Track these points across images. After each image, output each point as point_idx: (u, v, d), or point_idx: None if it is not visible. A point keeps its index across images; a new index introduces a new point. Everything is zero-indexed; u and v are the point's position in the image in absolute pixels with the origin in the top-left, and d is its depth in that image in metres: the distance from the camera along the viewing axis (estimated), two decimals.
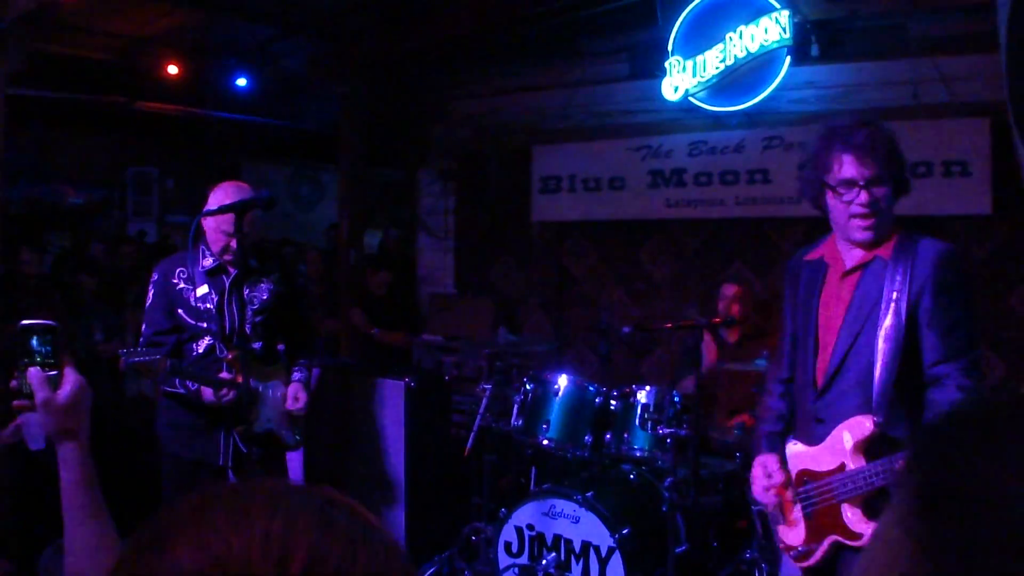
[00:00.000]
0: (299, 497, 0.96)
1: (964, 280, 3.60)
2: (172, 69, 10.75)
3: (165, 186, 14.54)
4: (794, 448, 3.80)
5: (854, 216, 3.54)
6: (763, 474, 3.86)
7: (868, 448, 3.47)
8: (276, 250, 10.04)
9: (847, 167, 3.54)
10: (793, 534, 3.80)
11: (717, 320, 6.34)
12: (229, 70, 11.22)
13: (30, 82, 10.14)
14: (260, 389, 5.39)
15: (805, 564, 3.76)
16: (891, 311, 3.50)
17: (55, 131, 12.92)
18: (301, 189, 16.78)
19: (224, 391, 5.13)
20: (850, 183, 3.54)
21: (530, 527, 5.73)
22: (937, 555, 0.78)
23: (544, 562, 5.62)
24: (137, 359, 5.06)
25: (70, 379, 2.02)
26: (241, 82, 11.33)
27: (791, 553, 3.83)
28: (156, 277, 5.40)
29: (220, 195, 5.17)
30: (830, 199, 3.62)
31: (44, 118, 12.18)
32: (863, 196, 3.51)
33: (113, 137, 13.68)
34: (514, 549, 5.78)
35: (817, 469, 3.65)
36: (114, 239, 11.89)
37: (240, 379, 4.98)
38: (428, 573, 6.27)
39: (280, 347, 5.75)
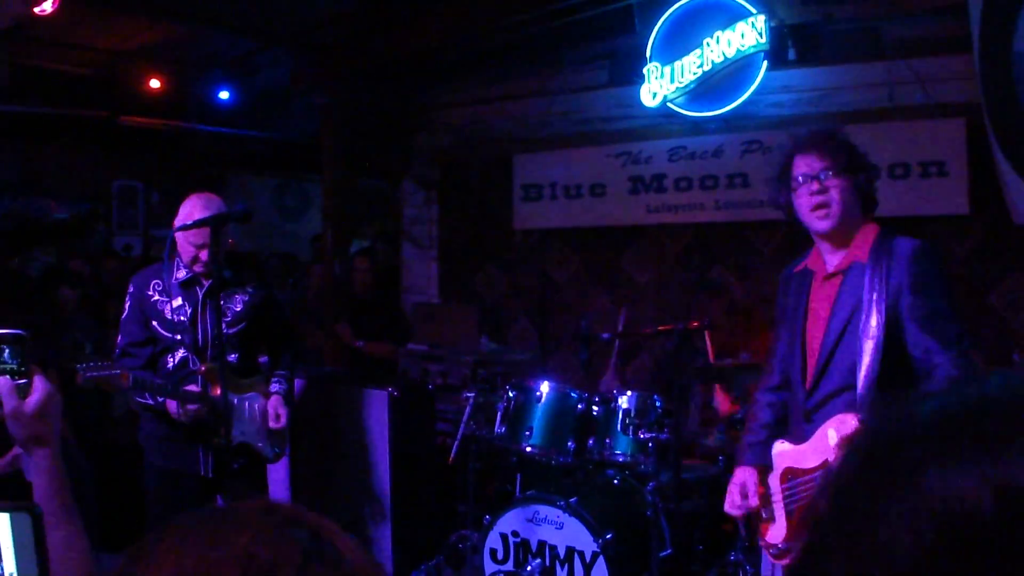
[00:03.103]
0: (263, 516, 1.01)
1: (941, 273, 3.73)
2: (155, 83, 10.77)
3: (150, 199, 14.53)
4: (780, 447, 3.89)
5: (812, 208, 3.75)
6: (739, 492, 3.97)
7: None
8: (254, 261, 10.05)
9: (801, 164, 3.81)
10: (774, 531, 3.87)
11: (695, 324, 6.37)
12: (212, 83, 11.23)
13: (13, 97, 10.16)
14: (235, 402, 5.37)
15: (784, 562, 3.82)
16: (872, 311, 3.61)
17: (39, 146, 12.89)
18: (286, 200, 16.77)
19: (191, 405, 5.14)
20: (804, 176, 3.78)
21: (515, 534, 5.75)
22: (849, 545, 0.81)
23: (529, 568, 5.65)
24: (94, 374, 4.99)
25: (39, 387, 2.05)
26: (224, 95, 11.34)
27: (771, 551, 3.89)
28: (132, 289, 5.43)
29: (188, 208, 5.20)
30: (794, 199, 3.79)
31: (28, 133, 12.16)
32: (814, 185, 3.75)
33: (97, 151, 13.64)
34: (499, 556, 5.81)
35: (802, 466, 3.73)
36: (98, 253, 11.90)
37: (216, 392, 5.01)
38: None
39: (263, 359, 5.78)
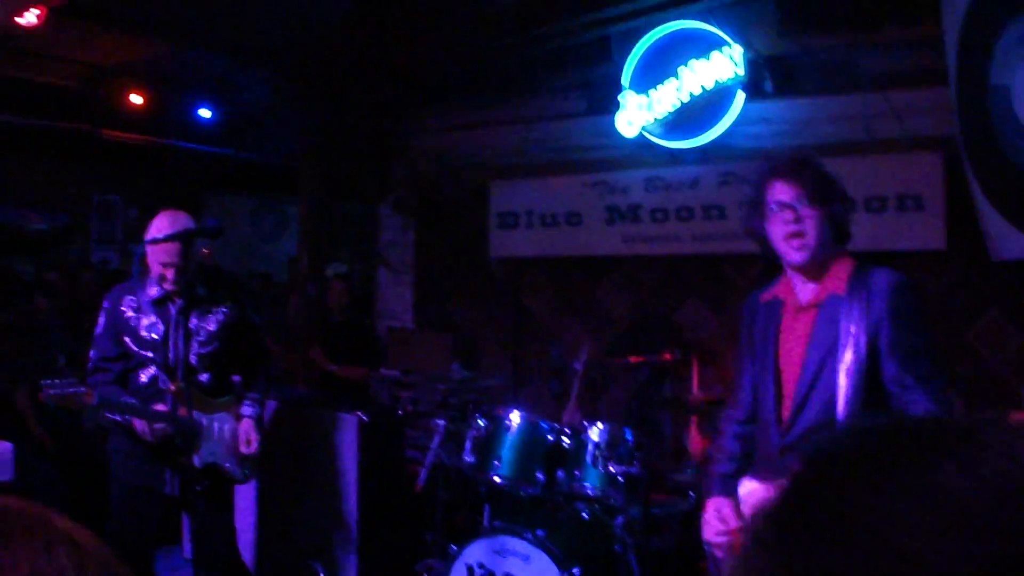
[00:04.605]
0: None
1: (920, 308, 3.69)
2: (136, 99, 10.78)
3: (128, 214, 14.53)
4: (749, 486, 3.83)
5: (786, 237, 3.69)
6: (717, 519, 3.88)
7: None
8: (232, 280, 10.05)
9: (776, 191, 3.72)
10: None
11: (668, 356, 6.35)
12: (193, 101, 11.25)
13: None
14: (204, 422, 5.34)
15: None
16: (850, 345, 3.56)
17: (19, 157, 12.91)
18: (265, 221, 16.77)
19: (159, 424, 5.10)
20: (779, 204, 3.70)
21: (481, 565, 5.67)
22: (793, 566, 0.79)
23: None
24: (57, 391, 4.94)
25: None
26: (204, 113, 11.37)
27: None
28: (107, 305, 5.39)
29: (157, 224, 5.15)
30: (767, 226, 3.74)
31: (8, 144, 12.17)
32: (789, 214, 3.67)
33: (78, 164, 13.68)
34: None
35: None
36: (74, 266, 11.86)
37: (182, 411, 4.97)
38: None
39: (236, 378, 5.73)
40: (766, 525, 0.84)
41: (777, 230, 3.71)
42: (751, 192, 3.89)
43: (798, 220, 3.65)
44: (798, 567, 0.78)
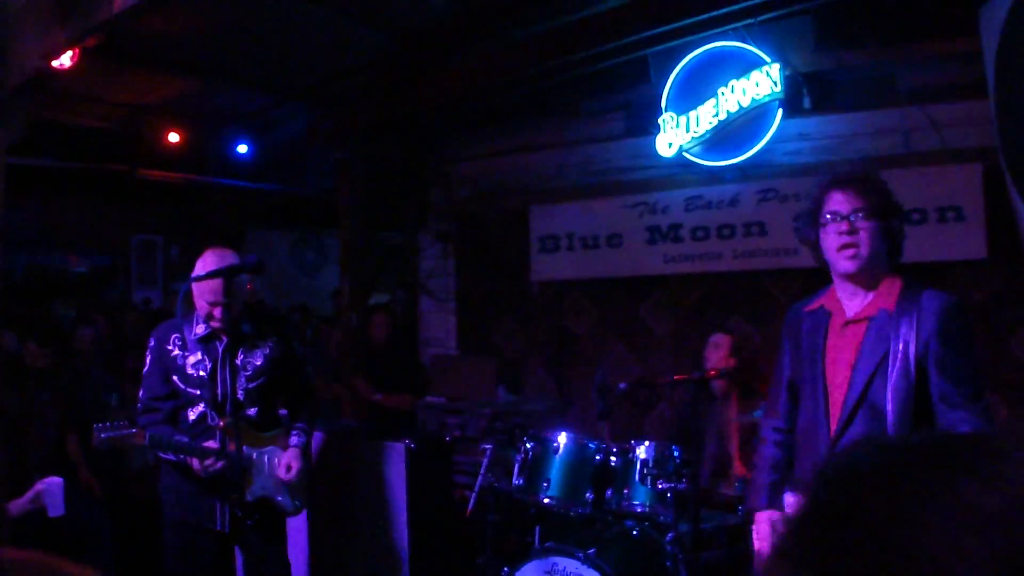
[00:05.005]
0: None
1: (968, 329, 3.68)
2: (173, 137, 10.86)
3: (169, 253, 14.60)
4: (791, 501, 3.81)
5: (839, 247, 3.69)
6: (771, 532, 3.87)
7: None
8: (275, 315, 10.08)
9: (833, 201, 3.73)
10: None
11: (712, 373, 6.32)
12: (230, 137, 11.32)
13: (32, 151, 10.23)
14: (254, 456, 5.36)
15: None
16: (900, 361, 3.56)
17: (58, 200, 12.96)
18: (306, 254, 16.82)
19: (209, 461, 5.12)
20: (835, 214, 3.71)
21: None
22: None
23: None
24: (109, 434, 5.00)
25: None
26: (242, 148, 11.43)
27: None
28: (152, 343, 5.40)
29: (203, 263, 5.17)
30: (821, 235, 3.74)
31: (47, 187, 12.23)
32: (845, 225, 3.68)
33: (117, 205, 13.73)
34: None
35: None
36: (117, 307, 11.93)
37: (232, 447, 4.98)
38: None
39: (283, 412, 5.75)
40: (789, 539, 0.86)
41: (831, 241, 3.72)
42: (809, 202, 3.90)
43: (853, 231, 3.66)
44: None
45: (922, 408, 3.55)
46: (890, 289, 3.72)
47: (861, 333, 3.73)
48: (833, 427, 3.74)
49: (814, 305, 3.97)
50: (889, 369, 3.58)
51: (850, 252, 3.67)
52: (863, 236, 3.66)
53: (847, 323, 3.78)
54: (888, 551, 0.76)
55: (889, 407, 3.55)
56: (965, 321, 3.67)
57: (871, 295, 3.75)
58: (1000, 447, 0.83)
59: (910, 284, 3.72)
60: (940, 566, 0.74)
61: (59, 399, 7.53)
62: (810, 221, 3.85)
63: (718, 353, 6.88)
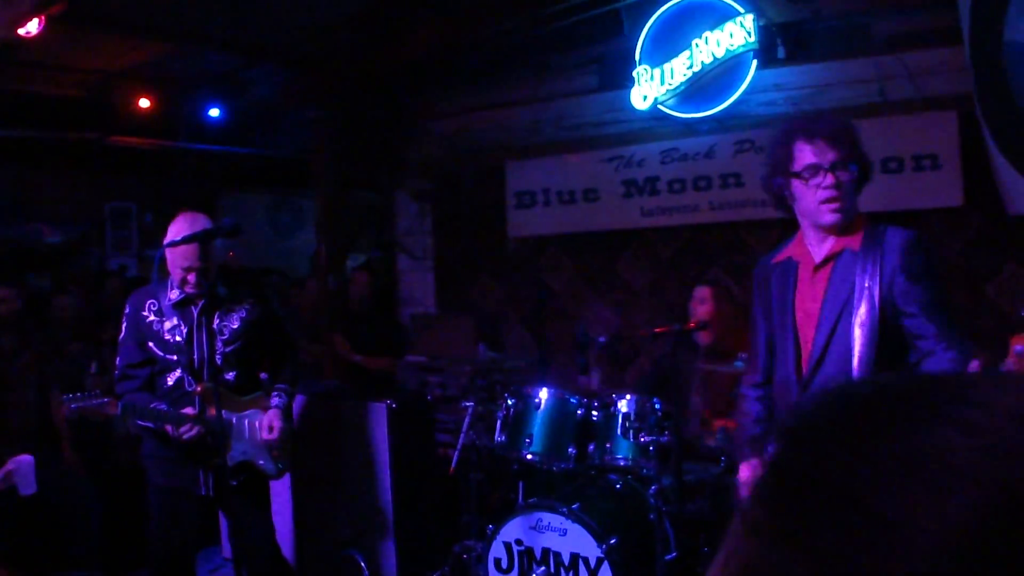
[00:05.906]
0: None
1: (933, 262, 3.69)
2: (144, 103, 10.73)
3: (143, 220, 14.51)
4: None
5: (823, 201, 3.66)
6: (754, 479, 3.87)
7: None
8: (251, 277, 10.10)
9: (810, 154, 3.68)
10: None
11: (692, 325, 6.32)
12: (201, 101, 11.20)
13: (1, 122, 10.14)
14: (233, 421, 5.35)
15: None
16: (864, 299, 3.58)
17: (29, 170, 12.85)
18: (281, 217, 16.72)
19: (185, 427, 5.10)
20: (815, 168, 3.67)
21: (518, 542, 5.70)
22: (784, 545, 0.76)
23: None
24: (80, 404, 4.98)
25: None
26: (214, 112, 11.31)
27: None
28: (128, 310, 5.37)
29: (176, 227, 5.13)
30: (797, 188, 3.73)
31: (17, 158, 12.13)
32: (829, 179, 3.65)
33: (89, 174, 13.61)
34: (504, 565, 5.76)
35: None
36: (92, 277, 11.86)
37: (211, 412, 4.97)
38: None
39: (263, 375, 5.73)
40: (756, 508, 0.80)
41: (812, 193, 3.69)
42: (774, 152, 3.86)
43: (837, 184, 3.64)
44: (787, 550, 0.74)
45: (895, 348, 3.58)
46: (854, 230, 3.73)
47: (828, 275, 3.75)
48: (805, 370, 3.75)
49: (781, 256, 3.98)
50: (855, 307, 3.60)
51: (835, 205, 3.65)
52: (847, 189, 3.66)
53: (816, 268, 3.78)
54: (855, 514, 0.71)
55: (856, 345, 3.57)
56: (929, 255, 3.67)
57: (837, 238, 3.75)
58: (976, 389, 0.77)
59: (875, 224, 3.73)
60: (914, 526, 0.69)
61: (36, 362, 7.44)
62: (777, 172, 3.81)
63: (704, 307, 6.86)
